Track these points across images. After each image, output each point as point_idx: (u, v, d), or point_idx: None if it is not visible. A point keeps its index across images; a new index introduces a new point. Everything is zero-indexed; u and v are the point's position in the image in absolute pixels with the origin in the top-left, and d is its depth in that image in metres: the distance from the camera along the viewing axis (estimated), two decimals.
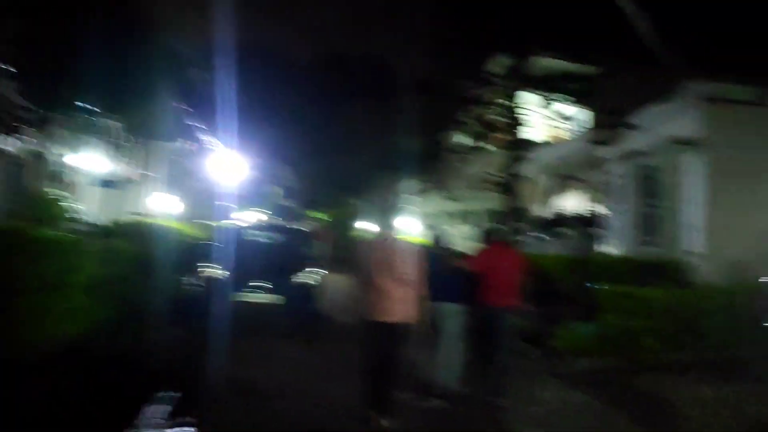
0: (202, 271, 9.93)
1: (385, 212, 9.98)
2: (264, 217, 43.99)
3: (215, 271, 9.87)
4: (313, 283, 10.24)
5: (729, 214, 12.08)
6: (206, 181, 26.36)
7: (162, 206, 13.31)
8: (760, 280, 10.14)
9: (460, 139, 29.86)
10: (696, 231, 12.44)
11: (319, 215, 43.42)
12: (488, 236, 8.06)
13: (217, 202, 30.95)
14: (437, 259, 6.91)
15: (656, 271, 11.45)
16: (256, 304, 9.73)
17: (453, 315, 7.12)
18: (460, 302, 7.15)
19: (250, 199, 47.74)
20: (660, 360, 9.11)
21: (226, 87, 23.50)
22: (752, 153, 12.15)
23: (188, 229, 11.04)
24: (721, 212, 12.16)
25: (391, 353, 5.67)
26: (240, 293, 9.66)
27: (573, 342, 9.53)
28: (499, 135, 21.30)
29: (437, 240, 8.27)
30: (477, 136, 25.00)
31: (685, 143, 12.68)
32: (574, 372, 8.96)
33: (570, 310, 11.16)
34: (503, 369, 7.24)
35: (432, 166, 30.78)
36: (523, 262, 7.80)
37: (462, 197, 24.02)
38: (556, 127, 24.39)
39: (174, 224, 10.58)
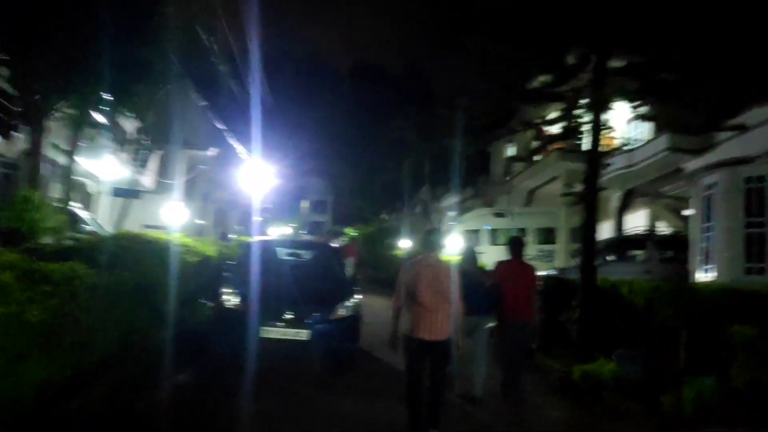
0: (217, 299, 7.87)
1: (427, 230, 8.22)
2: (291, 232, 42.44)
3: (232, 298, 7.80)
4: (351, 313, 8.11)
5: None
6: (233, 192, 24.65)
7: (176, 218, 11.29)
8: None
9: (512, 151, 27.85)
10: None
11: (353, 231, 41.39)
12: (511, 249, 8.38)
13: (243, 216, 29.30)
14: (466, 275, 6.79)
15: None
16: (284, 342, 7.58)
17: (482, 327, 7.73)
18: (487, 315, 7.77)
19: (279, 213, 46.37)
20: None
21: (257, 92, 21.90)
22: None
23: (203, 246, 8.95)
24: None
25: (436, 371, 5.83)
26: (264, 328, 7.55)
27: (697, 402, 7.17)
28: (560, 144, 19.12)
29: (466, 256, 8.26)
30: (536, 147, 22.86)
31: None
32: None
33: (672, 354, 8.86)
34: (521, 375, 7.92)
35: (479, 181, 28.62)
36: (534, 277, 8.33)
37: (513, 214, 21.74)
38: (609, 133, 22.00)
39: (187, 240, 8.46)
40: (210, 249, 9.37)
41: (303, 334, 7.66)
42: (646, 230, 17.73)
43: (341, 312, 8.04)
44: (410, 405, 5.70)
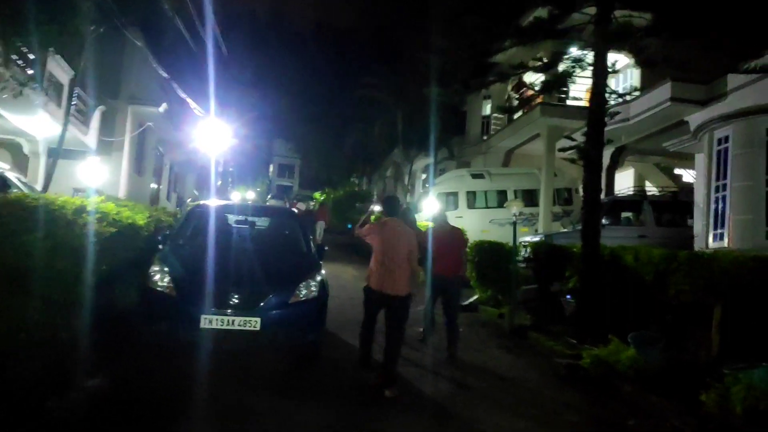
0: (143, 280, 6.20)
1: (386, 197, 8.06)
2: (255, 197, 40.33)
3: (162, 279, 6.14)
4: (315, 293, 6.51)
5: None
6: (189, 153, 22.66)
7: (96, 178, 9.43)
8: None
9: (489, 108, 26.24)
10: None
11: (322, 195, 39.62)
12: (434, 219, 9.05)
13: (201, 179, 27.32)
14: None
15: None
16: (230, 334, 5.96)
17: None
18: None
19: (242, 176, 44.19)
20: None
21: (212, 44, 19.83)
22: None
23: (130, 213, 7.19)
24: None
25: (393, 321, 6.19)
26: (203, 316, 5.94)
27: (749, 400, 5.78)
28: (541, 98, 17.56)
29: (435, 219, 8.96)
30: (518, 99, 21.23)
31: None
32: None
33: (699, 337, 7.53)
34: (454, 324, 8.00)
35: (454, 141, 27.03)
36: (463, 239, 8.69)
37: (491, 175, 20.26)
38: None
39: (109, 205, 6.69)
40: (140, 216, 7.61)
41: (253, 323, 6.05)
42: (638, 190, 16.45)
43: (303, 293, 6.44)
44: (362, 344, 6.56)
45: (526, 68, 10.68)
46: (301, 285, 6.46)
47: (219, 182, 27.42)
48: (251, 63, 33.30)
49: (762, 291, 6.73)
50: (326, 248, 7.94)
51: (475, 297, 12.04)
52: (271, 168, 60.75)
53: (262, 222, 8.44)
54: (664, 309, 8.15)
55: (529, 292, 11.04)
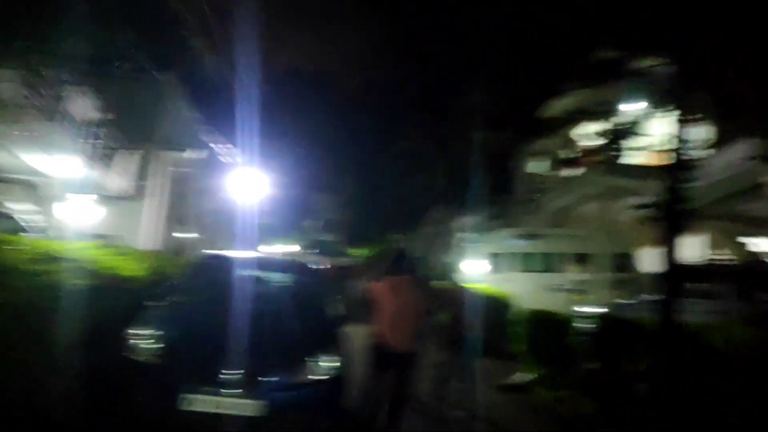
0: (121, 345, 4.94)
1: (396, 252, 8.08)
2: (295, 252, 39.34)
3: (144, 345, 4.89)
4: (335, 372, 5.12)
5: None
6: (223, 203, 21.81)
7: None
8: None
9: (538, 167, 24.89)
10: None
11: (362, 252, 38.37)
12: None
13: (234, 230, 26.41)
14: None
15: None
16: (223, 419, 4.61)
17: None
18: None
19: (282, 229, 43.34)
20: None
21: (252, 91, 19.20)
22: None
23: (120, 262, 6.01)
24: None
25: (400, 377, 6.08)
26: (188, 396, 4.64)
27: None
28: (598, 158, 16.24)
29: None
30: (567, 161, 19.92)
31: None
32: None
33: None
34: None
35: (501, 199, 25.69)
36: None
37: (541, 236, 18.75)
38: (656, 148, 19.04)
39: (97, 252, 5.53)
40: (134, 267, 6.43)
41: (252, 407, 4.72)
42: (710, 260, 14.73)
43: (319, 370, 5.09)
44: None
45: (590, 114, 9.40)
46: (317, 359, 5.11)
47: (257, 236, 26.54)
48: (295, 112, 32.93)
49: None
50: (348, 316, 6.61)
51: (527, 375, 10.42)
52: (311, 222, 60.16)
53: (278, 278, 7.14)
54: None
55: (593, 371, 9.41)
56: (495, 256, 18.52)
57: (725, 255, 16.72)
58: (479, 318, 12.16)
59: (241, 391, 4.74)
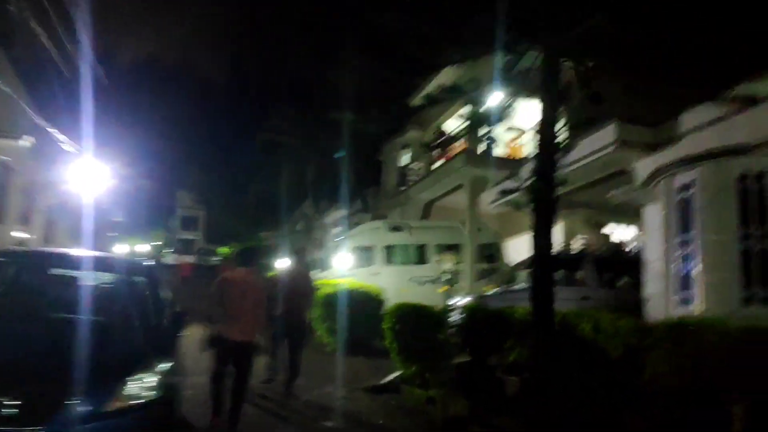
0: None
1: (242, 248, 8.95)
2: (150, 250, 36.77)
3: None
4: (156, 394, 4.06)
5: None
6: (65, 197, 19.57)
7: None
8: None
9: (406, 159, 24.60)
10: None
11: (226, 249, 36.65)
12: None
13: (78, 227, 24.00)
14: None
15: None
16: None
17: None
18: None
19: (136, 228, 40.43)
20: None
21: (97, 76, 17.21)
22: None
23: None
24: None
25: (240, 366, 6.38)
26: None
27: None
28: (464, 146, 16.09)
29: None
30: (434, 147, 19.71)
31: None
32: None
33: None
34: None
35: (369, 192, 25.20)
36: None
37: (410, 228, 18.39)
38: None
39: None
40: None
41: None
42: (581, 247, 14.94)
43: (133, 393, 4.03)
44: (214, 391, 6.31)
45: (458, 94, 8.91)
46: (130, 381, 4.05)
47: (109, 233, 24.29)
48: (146, 103, 30.60)
49: None
50: (187, 316, 5.57)
51: (397, 374, 9.77)
52: (172, 220, 56.87)
53: (91, 279, 5.83)
54: (652, 397, 6.31)
55: (464, 366, 8.96)
56: (364, 250, 17.90)
57: (585, 242, 17.17)
58: (347, 314, 11.49)
59: (27, 426, 3.60)
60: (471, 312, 9.78)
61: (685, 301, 8.87)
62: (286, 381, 8.51)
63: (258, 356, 7.09)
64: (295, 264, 9.88)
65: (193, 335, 6.84)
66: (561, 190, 13.00)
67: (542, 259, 7.51)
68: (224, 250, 37.96)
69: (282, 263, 11.85)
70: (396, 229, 18.39)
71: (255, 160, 32.77)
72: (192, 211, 55.48)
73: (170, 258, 34.87)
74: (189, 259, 29.87)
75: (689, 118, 10.11)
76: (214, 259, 30.96)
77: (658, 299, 9.63)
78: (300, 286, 8.94)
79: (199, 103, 37.49)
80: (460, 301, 12.06)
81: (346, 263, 16.82)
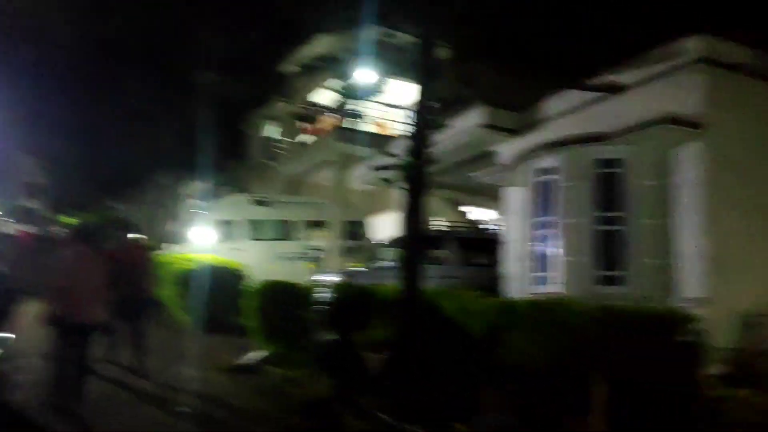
0: None
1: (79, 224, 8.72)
2: None
3: None
4: None
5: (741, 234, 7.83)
6: None
7: None
8: None
9: (273, 131, 23.82)
10: (690, 261, 7.92)
11: (71, 219, 33.89)
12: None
13: None
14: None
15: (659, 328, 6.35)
16: None
17: None
18: None
19: None
20: None
21: None
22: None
23: None
24: (728, 233, 7.81)
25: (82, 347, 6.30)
26: None
27: None
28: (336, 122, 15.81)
29: None
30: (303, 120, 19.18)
31: (676, 122, 8.08)
32: None
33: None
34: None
35: (233, 164, 24.22)
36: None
37: (275, 202, 17.84)
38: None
39: None
40: None
41: None
42: (446, 227, 15.20)
43: None
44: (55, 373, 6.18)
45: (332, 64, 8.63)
46: None
47: None
48: None
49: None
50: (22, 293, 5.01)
51: (259, 353, 9.39)
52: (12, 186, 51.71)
53: None
54: (518, 379, 6.42)
55: (329, 345, 8.75)
56: (226, 224, 17.13)
57: (447, 222, 17.58)
58: (204, 291, 10.91)
59: None
60: (338, 289, 9.60)
61: (544, 281, 9.27)
62: (134, 362, 8.23)
63: (102, 336, 7.01)
64: (131, 238, 9.76)
65: (32, 312, 6.55)
66: (432, 169, 13.16)
67: (413, 237, 7.45)
68: (69, 220, 35.10)
69: (128, 237, 10.86)
70: (260, 203, 17.77)
71: (106, 124, 30.45)
72: (35, 178, 50.81)
73: (9, 228, 31.64)
74: (31, 229, 27.12)
75: (552, 105, 10.52)
76: (58, 229, 28.36)
77: (519, 279, 10.00)
78: (137, 261, 8.77)
79: (45, 60, 34.05)
80: (327, 277, 11.86)
81: (206, 238, 16.04)
